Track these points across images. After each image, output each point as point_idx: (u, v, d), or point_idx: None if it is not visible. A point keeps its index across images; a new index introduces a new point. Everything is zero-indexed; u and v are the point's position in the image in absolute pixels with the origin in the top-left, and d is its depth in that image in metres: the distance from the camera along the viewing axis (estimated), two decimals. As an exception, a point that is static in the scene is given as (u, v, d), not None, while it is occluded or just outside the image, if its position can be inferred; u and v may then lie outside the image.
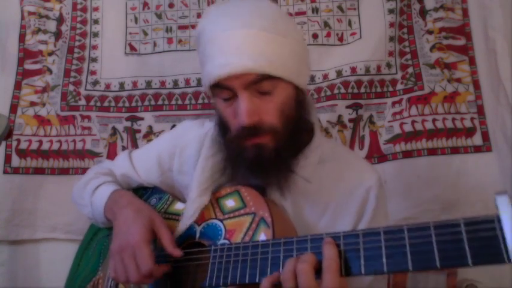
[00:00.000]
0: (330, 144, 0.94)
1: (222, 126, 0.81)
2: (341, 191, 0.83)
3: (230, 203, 0.80)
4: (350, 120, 1.49)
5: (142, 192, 0.97)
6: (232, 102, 0.76)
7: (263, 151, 0.75)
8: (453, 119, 1.44)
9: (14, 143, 1.55)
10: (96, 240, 0.98)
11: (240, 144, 0.77)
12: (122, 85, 1.59)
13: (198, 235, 0.80)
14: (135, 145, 1.54)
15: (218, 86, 0.76)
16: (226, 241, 0.75)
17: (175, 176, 0.94)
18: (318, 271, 0.58)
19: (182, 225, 0.82)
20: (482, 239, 0.49)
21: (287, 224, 0.78)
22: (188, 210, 0.82)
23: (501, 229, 0.48)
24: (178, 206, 0.90)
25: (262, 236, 0.71)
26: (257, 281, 0.65)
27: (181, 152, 0.93)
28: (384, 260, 0.55)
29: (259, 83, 0.73)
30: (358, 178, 0.83)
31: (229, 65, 0.72)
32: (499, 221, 0.48)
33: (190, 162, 0.91)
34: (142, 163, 0.98)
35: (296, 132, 0.80)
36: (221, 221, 0.79)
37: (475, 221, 0.51)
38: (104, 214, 0.88)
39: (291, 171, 0.80)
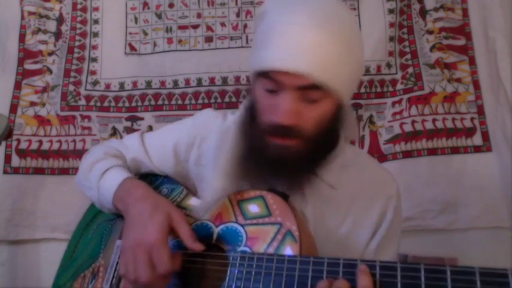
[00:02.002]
0: (351, 149, 0.92)
1: (253, 111, 0.78)
2: (362, 198, 0.81)
3: (254, 208, 0.75)
4: (350, 120, 1.49)
5: (152, 179, 0.91)
6: (275, 95, 0.73)
7: (287, 153, 0.73)
8: (453, 119, 1.44)
9: (14, 143, 1.55)
10: (96, 223, 0.92)
11: (266, 139, 0.74)
12: (122, 85, 1.59)
13: (215, 237, 0.75)
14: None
15: (266, 76, 0.72)
16: (247, 248, 0.70)
17: (190, 167, 0.89)
18: None
19: (203, 207, 0.78)
20: None
21: (311, 240, 0.75)
22: (210, 193, 0.78)
23: None
24: (193, 201, 0.84)
25: (288, 250, 0.67)
26: None
27: (201, 143, 0.88)
28: None
29: (310, 90, 0.71)
30: (379, 187, 0.82)
31: (289, 62, 0.69)
32: None
33: (209, 154, 0.87)
34: (157, 149, 0.92)
35: (325, 143, 0.78)
36: (242, 226, 0.74)
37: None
38: (113, 202, 0.83)
39: (315, 174, 0.78)
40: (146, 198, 0.78)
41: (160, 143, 0.92)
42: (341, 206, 0.81)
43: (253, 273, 0.66)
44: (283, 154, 0.73)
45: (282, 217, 0.71)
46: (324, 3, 0.75)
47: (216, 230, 0.76)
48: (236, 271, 0.68)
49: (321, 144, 0.76)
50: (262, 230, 0.71)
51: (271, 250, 0.68)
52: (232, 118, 0.89)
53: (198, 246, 0.72)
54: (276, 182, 0.78)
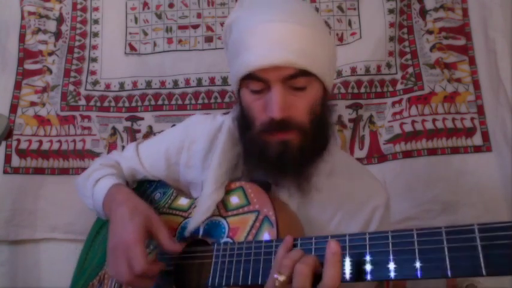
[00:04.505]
0: (343, 156, 0.93)
1: (244, 121, 0.80)
2: (348, 205, 0.82)
3: (234, 199, 0.78)
4: (350, 120, 1.49)
5: (147, 185, 0.96)
6: (263, 95, 0.75)
7: (288, 148, 0.74)
8: (453, 119, 1.43)
9: (14, 143, 1.54)
10: (103, 233, 0.96)
11: (265, 139, 0.75)
12: (122, 85, 1.59)
13: (201, 232, 0.79)
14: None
15: (251, 77, 0.75)
16: (229, 239, 0.74)
17: (181, 169, 0.93)
18: (316, 278, 0.56)
19: (194, 222, 0.79)
20: (498, 247, 0.45)
21: (293, 222, 0.77)
22: (202, 205, 0.79)
23: None
24: (182, 201, 0.88)
25: (266, 236, 0.70)
26: (260, 282, 0.63)
27: (190, 146, 0.92)
28: (392, 266, 0.52)
29: (296, 78, 0.73)
30: (366, 196, 0.83)
31: (270, 56, 0.71)
32: None
33: (198, 156, 0.91)
34: (149, 156, 0.97)
35: (320, 133, 0.79)
36: (224, 218, 0.77)
37: (489, 227, 0.46)
38: (103, 208, 0.87)
39: (311, 174, 0.79)
40: (126, 202, 0.81)
41: (153, 149, 0.97)
42: (326, 210, 0.82)
43: (234, 261, 0.68)
44: (285, 150, 0.74)
45: (260, 204, 0.74)
46: (286, 2, 0.80)
47: (202, 226, 0.79)
48: (219, 262, 0.70)
49: (317, 136, 0.78)
50: (242, 219, 0.74)
51: (250, 237, 0.71)
52: (222, 118, 0.92)
53: (177, 247, 0.75)
54: (283, 180, 0.79)
